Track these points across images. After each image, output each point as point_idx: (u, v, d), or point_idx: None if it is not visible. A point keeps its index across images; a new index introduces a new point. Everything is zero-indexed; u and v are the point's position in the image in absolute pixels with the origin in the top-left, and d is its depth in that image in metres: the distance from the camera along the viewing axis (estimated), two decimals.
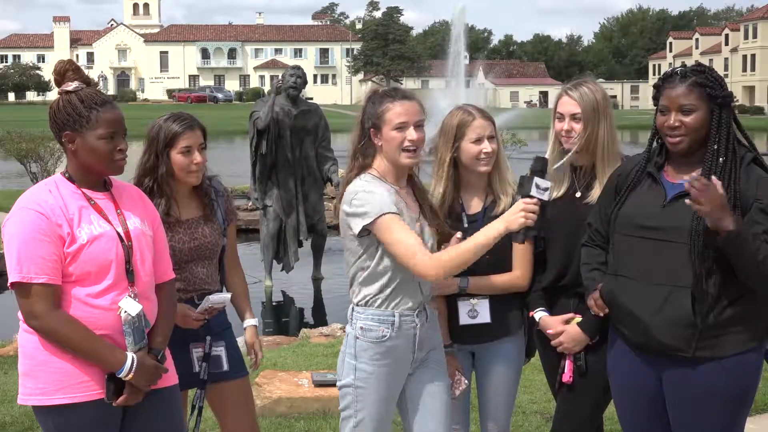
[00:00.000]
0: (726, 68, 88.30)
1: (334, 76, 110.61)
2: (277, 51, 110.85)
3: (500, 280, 3.83)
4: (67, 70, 3.18)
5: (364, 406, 3.52)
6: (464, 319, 3.85)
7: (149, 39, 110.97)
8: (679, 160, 3.33)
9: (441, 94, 44.15)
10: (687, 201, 3.09)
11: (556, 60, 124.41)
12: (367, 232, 3.41)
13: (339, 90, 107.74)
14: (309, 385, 5.71)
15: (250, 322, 4.06)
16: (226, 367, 3.90)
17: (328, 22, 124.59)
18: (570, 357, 3.74)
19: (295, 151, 9.92)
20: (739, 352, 3.22)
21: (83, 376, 3.08)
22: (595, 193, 3.71)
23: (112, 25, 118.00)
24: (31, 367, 3.12)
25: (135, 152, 3.73)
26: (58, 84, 3.20)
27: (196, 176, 3.85)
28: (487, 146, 3.78)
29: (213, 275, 3.95)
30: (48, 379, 3.08)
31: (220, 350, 3.91)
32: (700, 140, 3.25)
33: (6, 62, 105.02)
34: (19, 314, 3.12)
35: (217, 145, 35.81)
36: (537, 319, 3.84)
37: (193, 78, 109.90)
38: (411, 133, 3.43)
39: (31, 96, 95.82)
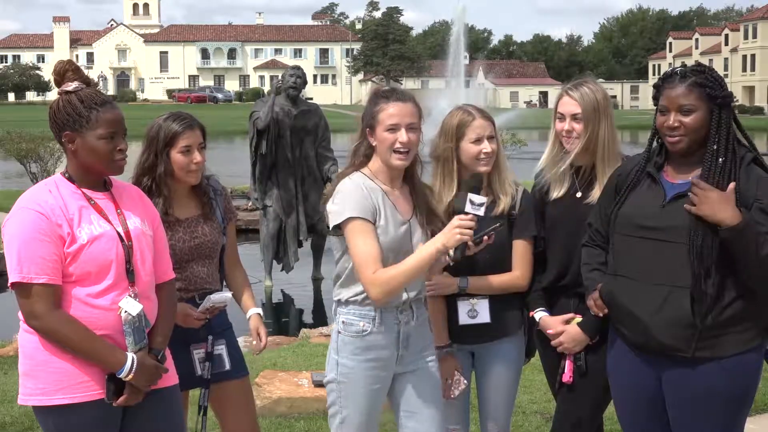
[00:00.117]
0: (726, 68, 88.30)
1: (334, 76, 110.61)
2: (277, 51, 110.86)
3: (500, 280, 3.83)
4: (66, 71, 3.18)
5: (348, 403, 3.53)
6: (464, 319, 3.85)
7: (149, 39, 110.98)
8: (679, 160, 3.33)
9: (441, 94, 44.15)
10: (686, 206, 3.12)
11: (556, 60, 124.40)
12: (341, 231, 3.44)
13: (339, 90, 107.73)
14: (309, 385, 5.72)
15: (254, 310, 4.05)
16: (228, 366, 3.90)
17: (328, 22, 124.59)
18: (570, 357, 3.75)
19: (295, 151, 9.92)
20: (739, 353, 3.23)
21: (83, 376, 3.08)
22: (596, 193, 3.71)
23: (111, 25, 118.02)
24: (32, 367, 3.12)
25: (135, 152, 3.73)
26: (58, 84, 3.20)
27: (196, 175, 3.85)
28: (486, 146, 3.78)
29: (213, 274, 3.95)
30: (48, 379, 3.08)
31: (221, 349, 3.91)
32: (699, 140, 3.25)
33: (6, 62, 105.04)
34: (20, 314, 3.12)
35: (217, 145, 35.79)
36: (537, 319, 3.84)
37: (193, 78, 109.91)
38: (402, 135, 3.42)
39: (31, 96, 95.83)
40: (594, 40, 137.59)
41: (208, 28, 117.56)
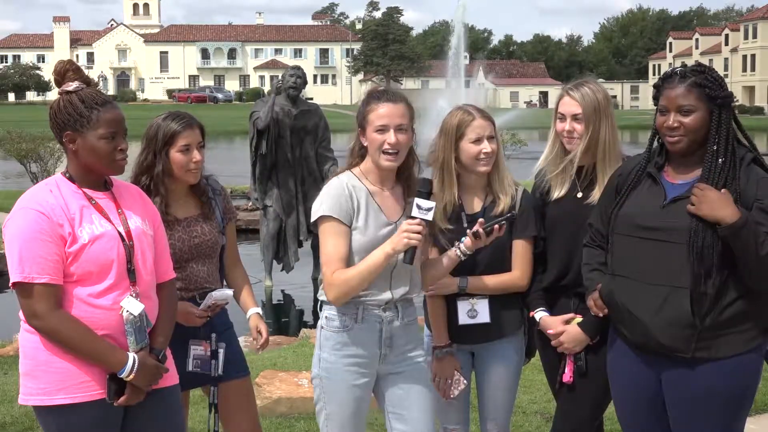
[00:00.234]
0: (726, 68, 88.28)
1: (334, 76, 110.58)
2: (277, 51, 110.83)
3: (499, 280, 3.83)
4: (67, 71, 3.19)
5: (331, 399, 3.55)
6: (463, 319, 3.85)
7: (149, 39, 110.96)
8: (679, 160, 3.33)
9: (441, 94, 44.16)
10: (688, 207, 3.14)
11: (556, 60, 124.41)
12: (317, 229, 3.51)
13: (339, 90, 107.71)
14: (309, 385, 5.71)
15: (254, 310, 4.05)
16: (220, 371, 3.89)
17: (328, 23, 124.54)
18: (570, 357, 3.75)
19: (295, 151, 9.92)
20: (739, 353, 3.23)
21: (84, 376, 3.08)
22: (597, 193, 3.71)
23: (112, 25, 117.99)
24: (32, 367, 3.12)
25: (135, 152, 3.74)
26: (59, 84, 3.20)
27: (195, 174, 3.85)
28: (486, 146, 3.78)
29: (214, 274, 3.95)
30: (49, 379, 3.08)
31: (220, 351, 3.90)
32: (699, 141, 3.25)
33: (6, 62, 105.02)
34: (21, 314, 3.12)
35: (217, 145, 35.81)
36: (537, 319, 3.84)
37: (193, 78, 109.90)
38: (390, 137, 3.43)
39: (31, 96, 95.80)
40: (594, 40, 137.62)
41: (208, 28, 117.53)
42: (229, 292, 3.92)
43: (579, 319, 3.72)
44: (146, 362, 3.15)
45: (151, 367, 3.17)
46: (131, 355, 3.11)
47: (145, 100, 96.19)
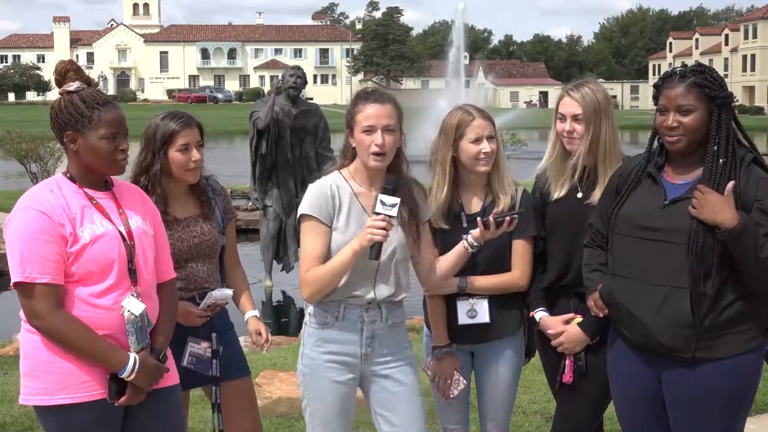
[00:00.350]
0: (726, 68, 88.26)
1: (334, 76, 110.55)
2: (277, 51, 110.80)
3: (499, 279, 3.83)
4: (68, 71, 3.19)
5: (314, 395, 3.58)
6: (463, 319, 3.85)
7: (149, 39, 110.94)
8: (679, 160, 3.33)
9: (441, 94, 44.15)
10: (690, 210, 3.15)
11: (556, 60, 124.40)
12: None
13: (339, 90, 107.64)
14: None
15: (252, 313, 4.06)
16: (216, 372, 3.89)
17: (328, 23, 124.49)
18: (570, 357, 3.75)
19: (295, 151, 9.92)
20: (739, 353, 3.23)
21: (85, 376, 3.09)
22: (597, 193, 3.71)
23: (112, 25, 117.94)
24: (33, 367, 3.13)
25: (135, 152, 3.73)
26: (59, 84, 3.20)
27: (194, 174, 3.85)
28: (486, 146, 3.78)
29: (214, 274, 3.95)
30: (50, 379, 3.09)
31: (220, 352, 3.90)
32: (698, 140, 3.25)
33: (6, 62, 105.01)
34: (22, 314, 3.12)
35: (217, 145, 35.82)
36: (537, 319, 3.84)
37: (193, 78, 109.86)
38: (377, 137, 3.44)
39: (31, 96, 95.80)
40: (594, 40, 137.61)
41: (208, 28, 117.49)
42: (229, 291, 3.92)
43: (579, 319, 3.72)
44: (147, 362, 3.15)
45: (151, 367, 3.17)
46: (132, 355, 3.12)
47: (145, 100, 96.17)
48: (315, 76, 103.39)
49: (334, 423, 3.58)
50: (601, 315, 3.51)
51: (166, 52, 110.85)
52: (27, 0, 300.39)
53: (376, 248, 3.36)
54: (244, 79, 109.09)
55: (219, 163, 21.78)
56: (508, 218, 3.52)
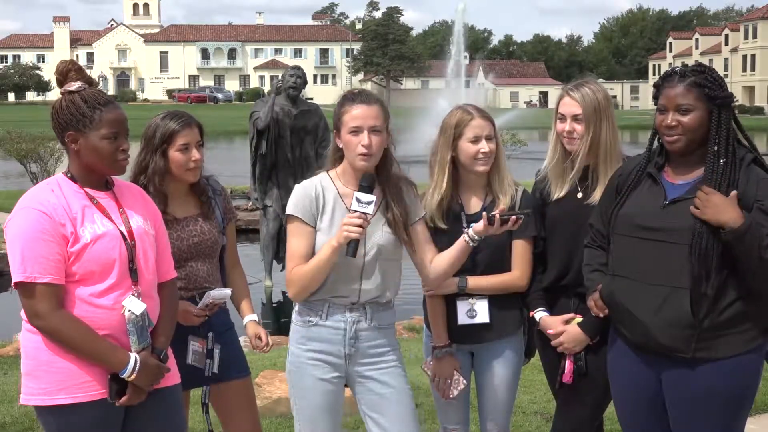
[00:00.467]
0: (726, 68, 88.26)
1: (334, 76, 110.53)
2: (277, 51, 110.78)
3: (499, 280, 3.83)
4: (69, 70, 3.19)
5: (299, 393, 3.62)
6: (463, 319, 3.85)
7: (149, 39, 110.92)
8: (679, 160, 3.33)
9: (441, 94, 44.17)
10: (692, 210, 3.14)
11: (556, 60, 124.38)
12: None
13: (339, 90, 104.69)
14: None
15: (250, 317, 4.07)
16: (215, 370, 3.88)
17: (328, 22, 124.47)
18: (570, 357, 3.75)
19: (295, 151, 9.92)
20: (739, 353, 3.23)
21: (85, 376, 3.09)
22: (597, 193, 3.71)
23: (112, 25, 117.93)
24: (34, 367, 3.13)
25: (135, 152, 3.73)
26: (61, 84, 3.20)
27: (194, 173, 3.85)
28: (484, 146, 3.78)
29: (214, 274, 3.95)
30: (50, 379, 3.09)
31: (216, 351, 3.90)
32: (697, 140, 3.25)
33: (6, 62, 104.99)
34: (22, 314, 3.12)
35: (217, 145, 35.82)
36: (537, 319, 3.84)
37: (193, 78, 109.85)
38: (364, 138, 3.45)
39: (31, 96, 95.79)
40: (594, 40, 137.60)
41: (208, 28, 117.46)
42: (227, 291, 3.93)
43: (579, 319, 3.72)
44: (148, 362, 3.15)
45: (152, 367, 3.17)
46: (133, 355, 3.12)
47: (145, 100, 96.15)
48: (315, 76, 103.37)
49: (320, 420, 3.59)
50: (601, 315, 3.51)
51: (166, 52, 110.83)
52: (27, 0, 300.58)
53: (352, 245, 3.38)
54: (244, 79, 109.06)
55: (219, 163, 21.78)
56: (513, 217, 3.49)
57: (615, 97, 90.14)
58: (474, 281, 3.82)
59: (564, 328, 3.73)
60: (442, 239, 3.74)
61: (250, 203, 12.31)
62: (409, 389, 3.65)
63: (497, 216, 3.48)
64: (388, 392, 3.58)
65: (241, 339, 4.13)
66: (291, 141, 9.86)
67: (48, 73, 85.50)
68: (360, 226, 3.36)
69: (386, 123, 3.52)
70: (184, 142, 3.80)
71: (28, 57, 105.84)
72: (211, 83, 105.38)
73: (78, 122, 3.12)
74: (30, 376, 3.14)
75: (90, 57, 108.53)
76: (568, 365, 3.76)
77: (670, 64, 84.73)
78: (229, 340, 3.99)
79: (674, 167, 3.35)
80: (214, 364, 3.86)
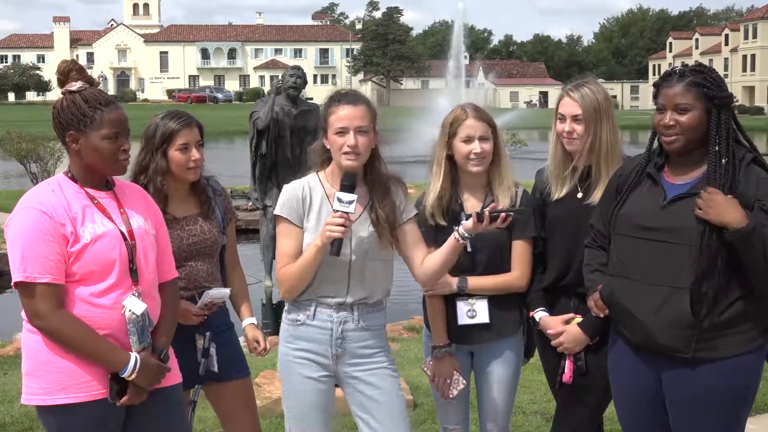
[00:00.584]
0: (726, 68, 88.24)
1: (334, 76, 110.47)
2: (277, 51, 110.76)
3: (499, 280, 3.84)
4: (70, 70, 3.19)
5: (288, 391, 3.63)
6: (463, 319, 3.85)
7: (149, 39, 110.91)
8: (678, 160, 3.33)
9: (441, 94, 44.18)
10: (696, 212, 3.14)
11: (556, 60, 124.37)
12: None
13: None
14: None
15: (249, 320, 4.07)
16: (215, 368, 3.89)
17: (328, 23, 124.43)
18: (570, 357, 3.75)
19: (295, 151, 9.91)
20: (739, 353, 3.23)
21: (86, 376, 3.09)
22: (597, 194, 3.71)
23: (112, 25, 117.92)
24: (34, 367, 3.13)
25: (135, 152, 3.73)
26: (62, 84, 3.20)
27: (194, 173, 3.86)
28: (476, 147, 3.77)
29: (214, 273, 3.95)
30: (51, 379, 3.09)
31: (212, 351, 3.90)
32: (696, 140, 3.25)
33: (6, 62, 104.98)
34: (23, 314, 3.12)
35: (217, 145, 35.81)
36: (537, 319, 3.84)
37: (193, 78, 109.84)
38: (350, 138, 3.46)
39: (31, 96, 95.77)
40: (594, 40, 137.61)
41: (208, 28, 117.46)
42: (227, 290, 3.92)
43: (579, 319, 3.72)
44: (148, 362, 3.15)
45: (153, 367, 3.17)
46: (133, 355, 3.12)
47: (145, 100, 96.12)
48: (315, 76, 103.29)
49: (309, 419, 3.60)
50: (601, 315, 3.51)
51: (166, 52, 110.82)
52: (27, 0, 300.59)
53: (336, 245, 3.40)
54: (244, 79, 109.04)
55: (219, 163, 21.74)
56: (503, 215, 3.40)
57: (615, 97, 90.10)
58: (474, 281, 3.82)
59: (564, 328, 3.73)
60: (441, 239, 3.74)
61: (250, 203, 12.30)
62: (400, 390, 3.64)
63: (486, 213, 3.41)
64: (376, 393, 3.58)
65: (241, 339, 4.13)
66: (291, 141, 9.85)
67: (48, 73, 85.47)
68: (342, 225, 3.37)
69: (373, 123, 3.53)
70: (184, 141, 3.80)
71: (28, 57, 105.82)
72: (211, 83, 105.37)
73: (79, 122, 3.12)
74: (30, 376, 3.14)
75: (90, 57, 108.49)
76: (568, 365, 3.76)
77: (670, 64, 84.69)
78: (229, 340, 3.99)
79: (674, 167, 3.35)
80: (210, 363, 3.86)
